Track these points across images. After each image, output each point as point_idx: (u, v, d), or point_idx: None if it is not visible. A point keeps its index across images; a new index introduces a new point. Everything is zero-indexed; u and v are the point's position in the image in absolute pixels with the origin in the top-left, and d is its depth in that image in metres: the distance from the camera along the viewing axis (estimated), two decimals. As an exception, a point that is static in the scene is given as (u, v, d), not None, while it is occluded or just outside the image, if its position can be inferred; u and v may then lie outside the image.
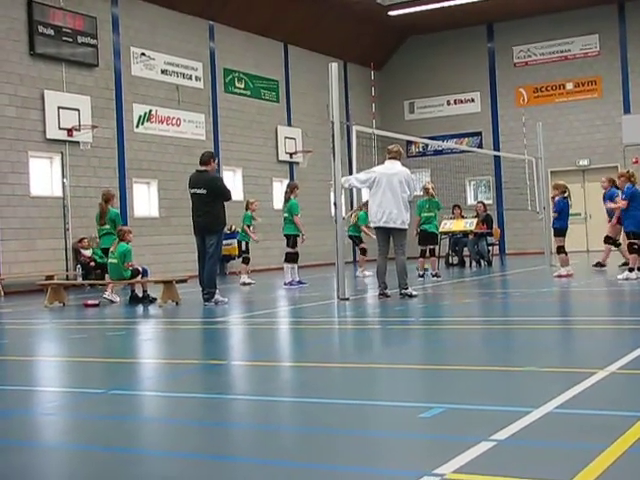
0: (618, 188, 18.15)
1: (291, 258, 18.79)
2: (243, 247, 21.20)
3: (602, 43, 32.86)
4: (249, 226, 20.93)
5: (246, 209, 21.23)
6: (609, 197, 18.86)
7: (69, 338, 11.49)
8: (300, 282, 18.61)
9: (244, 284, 20.21)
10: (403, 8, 31.06)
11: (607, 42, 32.77)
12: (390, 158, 14.50)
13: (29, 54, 22.14)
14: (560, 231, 17.95)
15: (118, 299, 16.43)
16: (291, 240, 18.83)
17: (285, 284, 18.57)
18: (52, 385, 7.53)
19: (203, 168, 14.94)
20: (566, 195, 18.03)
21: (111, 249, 16.07)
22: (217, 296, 14.62)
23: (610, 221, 19.13)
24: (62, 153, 22.76)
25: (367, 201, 15.15)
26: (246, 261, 21.04)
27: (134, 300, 16.13)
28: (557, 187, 18.42)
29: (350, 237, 21.60)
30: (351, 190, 16.89)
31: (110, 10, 24.62)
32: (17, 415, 5.96)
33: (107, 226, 16.74)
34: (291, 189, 19.24)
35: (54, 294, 16.45)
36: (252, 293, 15.32)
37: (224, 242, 17.48)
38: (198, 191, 14.71)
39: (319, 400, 5.97)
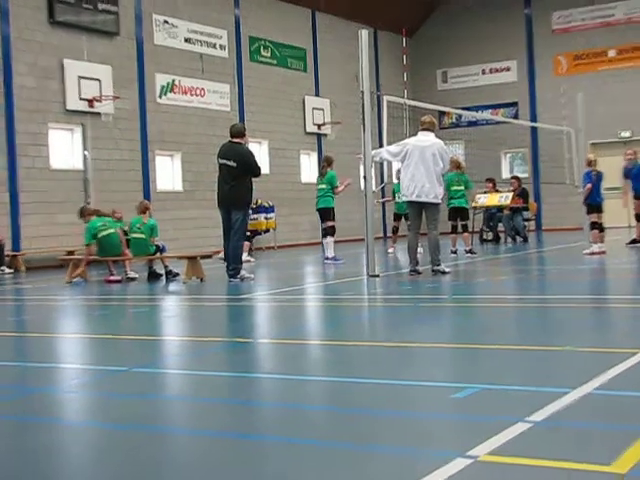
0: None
1: (332, 232, 18.75)
2: None
3: (648, 6, 32.42)
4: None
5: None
6: (635, 172, 18.78)
7: (91, 315, 11.57)
8: (336, 259, 18.56)
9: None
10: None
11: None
12: (423, 129, 14.46)
13: (48, 22, 22.17)
14: (591, 207, 17.85)
15: (137, 275, 16.51)
16: (331, 213, 18.83)
17: (328, 259, 18.52)
18: (74, 362, 7.59)
19: (236, 140, 14.93)
20: (593, 169, 17.89)
21: (138, 225, 16.18)
22: (243, 272, 14.67)
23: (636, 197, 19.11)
24: (83, 125, 22.83)
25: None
26: (248, 239, 20.76)
27: (152, 276, 16.26)
28: (587, 160, 18.38)
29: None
30: (381, 163, 16.88)
31: (132, -24, 24.59)
32: (40, 392, 6.02)
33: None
34: (328, 162, 19.26)
35: (75, 270, 16.54)
36: (279, 269, 15.34)
37: (250, 217, 17.48)
38: (228, 162, 14.70)
39: (348, 379, 5.99)
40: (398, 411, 4.97)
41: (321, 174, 19.14)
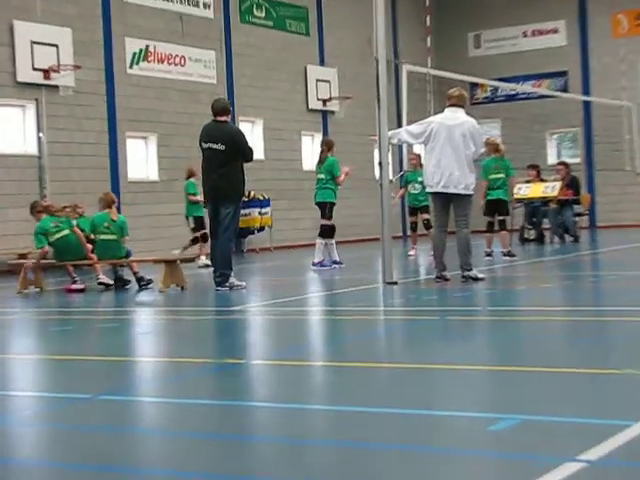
0: None
1: (326, 232, 18.71)
2: (192, 224, 21.13)
3: None
4: (194, 194, 20.77)
5: (188, 177, 21.15)
6: None
7: (49, 331, 11.59)
8: (335, 262, 18.58)
9: (205, 266, 19.75)
10: None
11: None
12: (451, 105, 14.47)
13: (-5, -25, 22.25)
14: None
15: (111, 282, 16.53)
16: (327, 209, 18.78)
17: (314, 264, 18.53)
18: (27, 389, 7.58)
19: (222, 118, 14.93)
20: None
21: (106, 224, 16.13)
22: (232, 279, 14.68)
23: None
24: (37, 100, 22.89)
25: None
26: (204, 239, 20.75)
27: (119, 283, 16.27)
28: None
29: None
30: (400, 147, 16.89)
31: None
32: (-16, 426, 6.04)
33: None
34: (327, 146, 19.18)
35: (28, 277, 16.55)
36: (277, 276, 15.35)
37: (242, 212, 17.47)
38: (214, 146, 14.67)
39: (361, 409, 6.00)
40: (422, 446, 4.98)
41: (320, 161, 19.02)
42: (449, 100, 14.58)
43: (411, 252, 21.42)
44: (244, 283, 15.10)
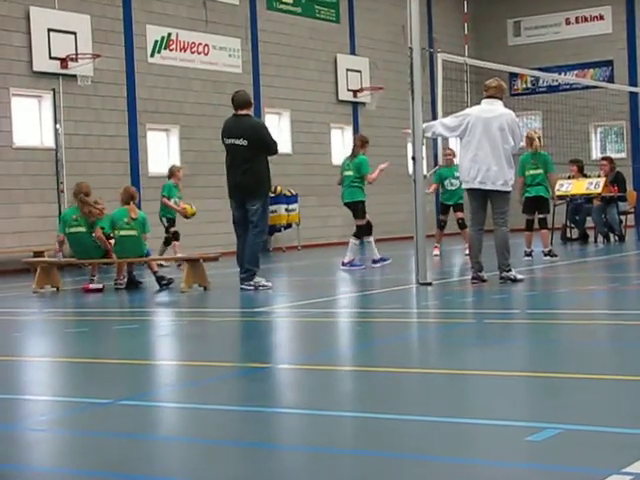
0: None
1: (363, 231, 18.68)
2: (165, 223, 21.05)
3: None
4: (169, 198, 20.76)
5: (169, 177, 21.13)
6: None
7: (65, 332, 11.64)
8: (376, 261, 18.53)
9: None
10: None
11: None
12: (488, 97, 14.46)
13: (11, -41, 22.34)
14: None
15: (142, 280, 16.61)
16: (359, 209, 18.78)
17: (343, 264, 18.51)
18: (44, 393, 7.63)
19: (243, 112, 14.98)
20: None
21: (126, 219, 16.15)
22: (258, 278, 14.72)
23: None
24: (54, 91, 22.94)
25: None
26: (176, 237, 20.91)
27: (132, 285, 16.32)
28: None
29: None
30: (435, 140, 16.88)
31: None
32: (0, 431, 6.08)
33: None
34: (361, 142, 19.16)
35: (45, 275, 16.60)
36: (304, 275, 15.35)
37: (276, 207, 17.48)
38: (237, 142, 14.76)
39: (393, 416, 6.00)
40: (458, 457, 4.98)
41: (353, 155, 18.95)
42: (486, 91, 14.56)
43: (435, 252, 21.14)
44: (270, 284, 15.14)
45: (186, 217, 20.93)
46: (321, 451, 5.27)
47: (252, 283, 14.62)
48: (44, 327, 12.45)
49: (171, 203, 20.76)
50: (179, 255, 17.70)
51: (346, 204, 18.97)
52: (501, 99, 14.51)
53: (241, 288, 14.66)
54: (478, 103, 14.70)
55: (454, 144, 22.62)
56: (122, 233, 16.16)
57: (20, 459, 5.47)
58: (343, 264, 18.56)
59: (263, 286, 14.72)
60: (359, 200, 18.74)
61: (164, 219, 20.98)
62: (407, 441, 5.38)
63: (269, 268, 15.55)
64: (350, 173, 18.76)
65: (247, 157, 14.73)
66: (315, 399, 6.81)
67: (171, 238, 20.72)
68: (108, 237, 16.49)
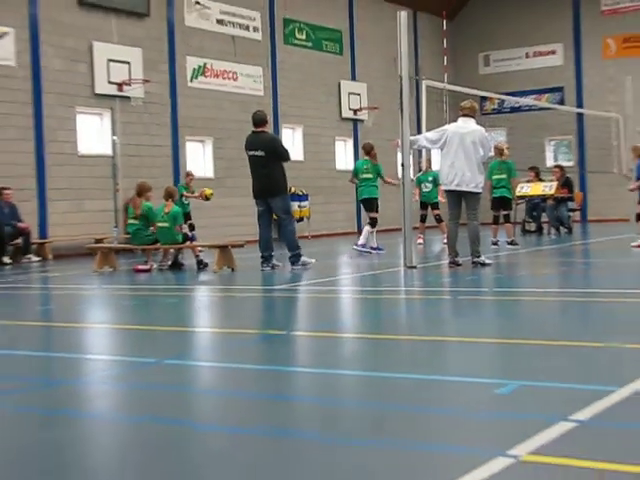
0: None
1: (374, 222, 18.75)
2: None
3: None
4: (181, 195, 20.71)
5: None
6: None
7: (120, 305, 11.65)
8: (374, 248, 18.54)
9: None
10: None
11: None
12: (463, 115, 14.41)
13: (77, 3, 22.28)
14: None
15: (156, 265, 16.56)
16: (375, 204, 18.83)
17: (357, 245, 18.49)
18: (103, 353, 7.65)
19: (260, 129, 15.09)
20: None
21: (162, 214, 16.17)
22: (303, 258, 14.95)
23: None
24: (112, 109, 22.95)
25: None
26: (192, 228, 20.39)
27: (175, 267, 16.35)
28: (634, 150, 18.35)
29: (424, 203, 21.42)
30: (420, 150, 16.86)
31: (163, -45, 24.68)
32: (68, 384, 6.07)
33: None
34: (375, 152, 19.25)
35: (104, 258, 16.63)
36: (315, 259, 15.38)
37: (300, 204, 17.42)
38: (256, 153, 14.91)
39: (386, 374, 6.00)
40: (438, 408, 4.98)
41: (373, 160, 19.01)
42: (462, 111, 14.52)
43: (419, 240, 21.11)
44: (313, 260, 15.34)
45: (206, 199, 20.86)
46: (327, 402, 5.27)
47: (299, 263, 14.88)
48: (103, 300, 12.47)
49: (189, 195, 20.81)
50: (210, 243, 17.63)
51: (364, 199, 18.94)
52: (474, 117, 14.46)
53: (292, 268, 14.80)
54: (455, 121, 14.66)
55: (433, 155, 22.62)
56: (159, 224, 16.21)
57: (86, 407, 5.49)
58: (356, 245, 18.54)
59: (308, 263, 14.99)
60: (376, 197, 18.82)
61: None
62: (398, 395, 5.37)
63: (285, 254, 15.52)
64: (370, 175, 18.78)
65: (265, 165, 14.87)
66: (322, 360, 6.80)
67: (190, 228, 20.44)
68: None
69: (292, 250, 15.02)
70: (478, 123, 14.55)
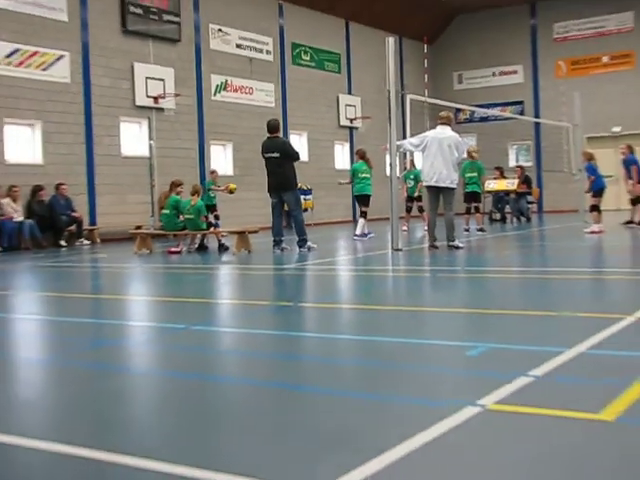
0: (634, 154, 18.38)
1: (366, 214, 18.78)
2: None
3: (636, 19, 32.07)
4: (209, 189, 20.65)
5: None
6: (629, 162, 18.63)
7: (155, 280, 11.66)
8: (365, 234, 18.53)
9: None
10: (454, -12, 30.64)
11: (640, 18, 32.05)
12: (441, 123, 14.40)
13: (121, 31, 22.26)
14: (597, 191, 17.88)
15: (185, 247, 16.58)
16: (369, 199, 18.81)
17: (356, 235, 18.49)
18: (142, 320, 7.67)
19: (273, 135, 15.11)
20: (593, 162, 18.06)
21: (188, 207, 16.20)
22: (309, 243, 14.99)
23: (632, 182, 18.95)
24: (149, 118, 22.93)
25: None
26: (216, 217, 20.31)
27: (201, 249, 16.41)
28: (584, 155, 18.47)
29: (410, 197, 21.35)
30: (405, 153, 16.84)
31: (192, -10, 24.63)
32: (112, 345, 6.08)
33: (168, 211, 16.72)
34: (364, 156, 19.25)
35: (142, 242, 16.66)
36: (316, 244, 15.39)
37: (305, 197, 17.46)
38: (272, 155, 14.96)
39: (376, 338, 6.00)
40: (419, 365, 4.98)
41: (369, 166, 18.98)
42: (440, 120, 14.51)
43: (404, 228, 21.01)
44: (316, 245, 15.27)
45: (231, 192, 20.80)
46: (328, 361, 5.27)
47: (306, 247, 14.89)
48: (141, 276, 12.47)
49: (216, 188, 20.76)
50: (230, 229, 17.60)
51: (361, 195, 18.89)
52: (450, 125, 14.45)
53: (300, 251, 14.78)
54: (434, 128, 14.64)
55: (416, 157, 22.59)
56: (186, 216, 16.25)
57: (126, 364, 5.50)
58: (356, 235, 18.52)
59: (312, 247, 14.96)
60: (370, 194, 18.81)
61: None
62: (385, 355, 5.37)
63: (293, 239, 15.53)
64: (367, 175, 18.78)
65: (280, 164, 14.89)
66: (323, 327, 6.80)
67: (215, 218, 20.34)
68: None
69: (300, 235, 15.04)
70: (453, 130, 14.53)
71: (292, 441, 3.51)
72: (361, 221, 18.72)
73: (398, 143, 14.55)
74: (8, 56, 19.30)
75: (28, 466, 3.37)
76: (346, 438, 3.46)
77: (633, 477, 2.96)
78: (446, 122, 14.43)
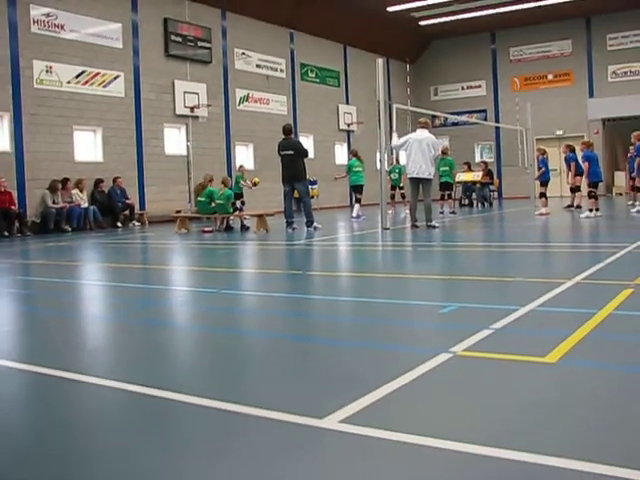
0: (573, 152, 18.30)
1: (360, 200, 18.79)
2: (237, 204, 18.78)
3: (574, 45, 32.03)
4: (238, 182, 20.49)
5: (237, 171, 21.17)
6: (569, 159, 18.55)
7: (192, 253, 11.68)
8: (359, 216, 18.50)
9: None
10: (430, 19, 30.37)
11: (577, 45, 31.89)
12: (420, 127, 14.36)
13: (164, 55, 22.15)
14: (544, 182, 17.88)
15: (215, 228, 16.62)
16: (362, 188, 18.79)
17: (353, 217, 18.47)
18: (181, 285, 7.67)
19: (288, 136, 15.09)
20: (545, 156, 18.02)
21: (219, 194, 16.20)
22: (315, 224, 14.94)
23: (570, 175, 18.88)
24: (186, 124, 22.86)
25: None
26: (242, 203, 19.87)
27: (227, 229, 16.43)
28: (539, 150, 18.44)
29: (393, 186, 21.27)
30: (392, 151, 16.81)
31: (221, 22, 24.46)
32: (158, 306, 6.10)
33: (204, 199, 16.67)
34: (355, 154, 19.23)
35: (181, 223, 16.67)
36: (321, 224, 15.37)
37: (311, 186, 17.36)
38: (288, 152, 14.87)
39: (367, 299, 6.02)
40: (401, 321, 5.00)
41: (360, 161, 18.93)
42: (419, 124, 14.48)
43: (389, 211, 20.89)
44: (320, 225, 15.19)
45: (254, 185, 20.70)
46: (329, 318, 5.29)
47: (313, 227, 14.80)
48: (181, 251, 12.46)
49: (244, 183, 20.72)
50: (251, 213, 17.59)
51: (356, 185, 18.84)
52: (427, 128, 14.40)
53: (307, 229, 14.73)
54: (414, 131, 14.59)
55: (401, 154, 22.53)
56: (217, 201, 16.24)
57: (168, 321, 5.52)
58: (352, 217, 18.47)
59: (318, 227, 14.85)
60: (363, 184, 18.79)
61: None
62: (374, 313, 5.39)
63: (301, 221, 15.52)
64: (360, 169, 18.75)
65: (293, 160, 14.82)
66: (326, 290, 6.82)
67: (241, 204, 20.22)
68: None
69: (308, 218, 14.98)
70: (430, 132, 14.49)
71: (303, 381, 3.54)
72: (356, 206, 18.73)
73: (391, 145, 14.65)
74: (77, 76, 19.40)
75: (95, 399, 3.41)
76: (346, 378, 3.49)
77: (568, 404, 3.00)
78: (424, 126, 14.40)
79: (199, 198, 16.82)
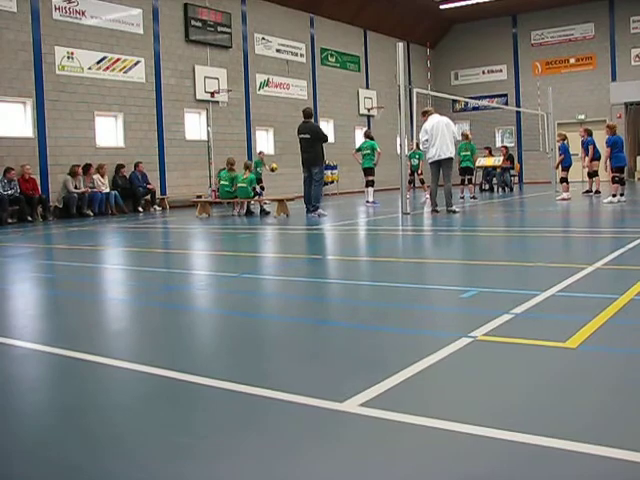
0: (591, 136, 18.12)
1: (372, 184, 18.70)
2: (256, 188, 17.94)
3: (596, 29, 31.59)
4: (257, 167, 20.41)
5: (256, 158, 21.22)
6: (587, 143, 18.34)
7: (213, 238, 11.72)
8: (375, 202, 18.45)
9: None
10: (451, 3, 30.09)
11: (600, 28, 31.43)
12: (431, 114, 14.50)
13: (185, 40, 22.14)
14: (566, 167, 17.71)
15: (236, 212, 16.68)
16: (372, 170, 18.62)
17: (368, 202, 18.45)
18: (202, 270, 7.70)
19: (308, 120, 14.99)
20: (565, 141, 17.81)
21: (242, 178, 16.21)
22: (320, 210, 14.80)
23: (587, 160, 18.68)
24: (207, 109, 22.88)
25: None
26: (262, 188, 19.10)
27: (248, 213, 16.44)
28: (559, 135, 18.25)
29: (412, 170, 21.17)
30: (412, 136, 16.74)
31: (240, 7, 24.40)
32: (180, 289, 6.14)
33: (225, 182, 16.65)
34: (369, 135, 19.16)
35: (202, 208, 16.71)
36: (340, 209, 15.32)
37: (325, 172, 17.36)
38: (305, 136, 14.78)
39: (388, 284, 6.02)
40: (422, 305, 5.00)
41: (370, 140, 18.85)
42: (428, 113, 14.60)
43: (408, 196, 20.77)
44: (326, 213, 15.14)
45: (272, 170, 20.71)
46: (350, 302, 5.30)
47: (317, 213, 14.68)
48: (202, 235, 12.50)
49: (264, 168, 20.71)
50: (272, 197, 17.60)
51: (366, 167, 18.78)
52: (433, 113, 14.48)
53: (311, 216, 14.67)
54: (426, 120, 14.51)
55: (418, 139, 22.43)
56: (240, 185, 16.21)
57: (190, 304, 5.56)
58: (367, 202, 18.44)
59: (322, 214, 14.74)
60: (372, 166, 18.63)
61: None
62: (395, 297, 5.39)
63: (323, 205, 15.52)
64: (368, 151, 18.65)
65: (310, 144, 14.73)
66: (346, 274, 6.83)
67: (261, 189, 20.16)
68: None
69: (316, 202, 14.81)
70: (449, 117, 14.47)
71: (323, 364, 3.55)
72: (370, 190, 18.63)
73: (422, 147, 14.77)
74: (98, 62, 19.44)
75: (117, 381, 3.44)
76: (366, 362, 3.50)
77: (589, 389, 2.99)
78: (433, 112, 14.53)
79: (222, 182, 16.81)
